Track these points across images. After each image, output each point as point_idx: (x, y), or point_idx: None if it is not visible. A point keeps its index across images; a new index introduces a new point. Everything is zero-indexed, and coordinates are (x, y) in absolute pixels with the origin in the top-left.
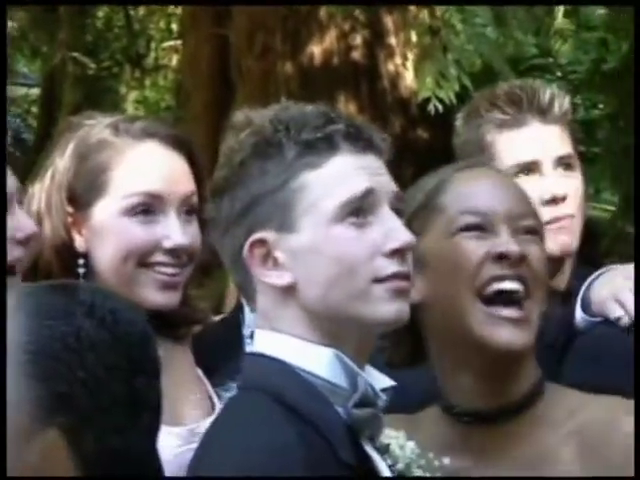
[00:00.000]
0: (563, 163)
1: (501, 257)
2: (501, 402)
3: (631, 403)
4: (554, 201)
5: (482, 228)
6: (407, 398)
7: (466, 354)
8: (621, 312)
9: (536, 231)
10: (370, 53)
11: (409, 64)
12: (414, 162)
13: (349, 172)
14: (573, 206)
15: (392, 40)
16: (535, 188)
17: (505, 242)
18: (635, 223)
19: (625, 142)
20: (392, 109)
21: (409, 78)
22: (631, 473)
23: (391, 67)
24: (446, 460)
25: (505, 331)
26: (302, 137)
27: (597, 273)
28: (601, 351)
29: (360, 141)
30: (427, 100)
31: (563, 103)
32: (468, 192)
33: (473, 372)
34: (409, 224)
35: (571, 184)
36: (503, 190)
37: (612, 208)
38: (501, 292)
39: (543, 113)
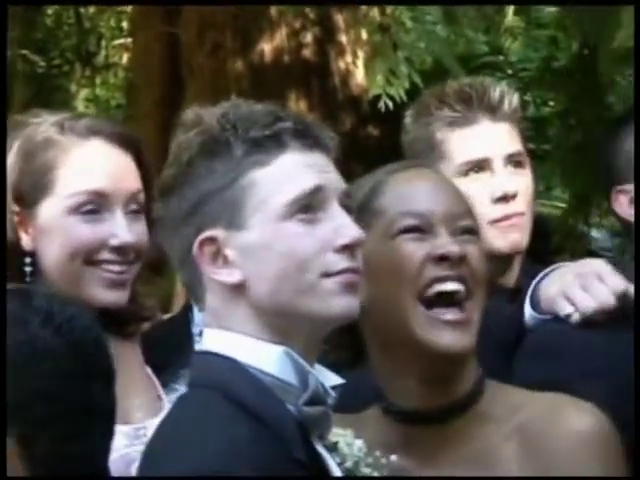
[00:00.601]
0: (513, 161)
1: (442, 258)
2: (441, 402)
3: (575, 400)
4: (505, 199)
5: (421, 230)
6: (350, 399)
7: (407, 356)
8: (571, 309)
9: (474, 231)
10: (321, 51)
11: (359, 62)
12: (365, 159)
13: (298, 169)
14: (523, 204)
15: (343, 38)
16: (486, 186)
17: (445, 243)
18: (635, 223)
19: (575, 139)
20: (343, 106)
21: (360, 76)
22: (574, 471)
23: (342, 65)
24: (393, 457)
25: (446, 334)
26: (250, 135)
27: (547, 270)
28: (550, 348)
29: (308, 139)
30: (378, 97)
31: (512, 101)
32: (406, 194)
33: (414, 374)
34: None
35: (521, 182)
36: (441, 191)
37: (563, 205)
38: (442, 294)
39: (493, 111)
